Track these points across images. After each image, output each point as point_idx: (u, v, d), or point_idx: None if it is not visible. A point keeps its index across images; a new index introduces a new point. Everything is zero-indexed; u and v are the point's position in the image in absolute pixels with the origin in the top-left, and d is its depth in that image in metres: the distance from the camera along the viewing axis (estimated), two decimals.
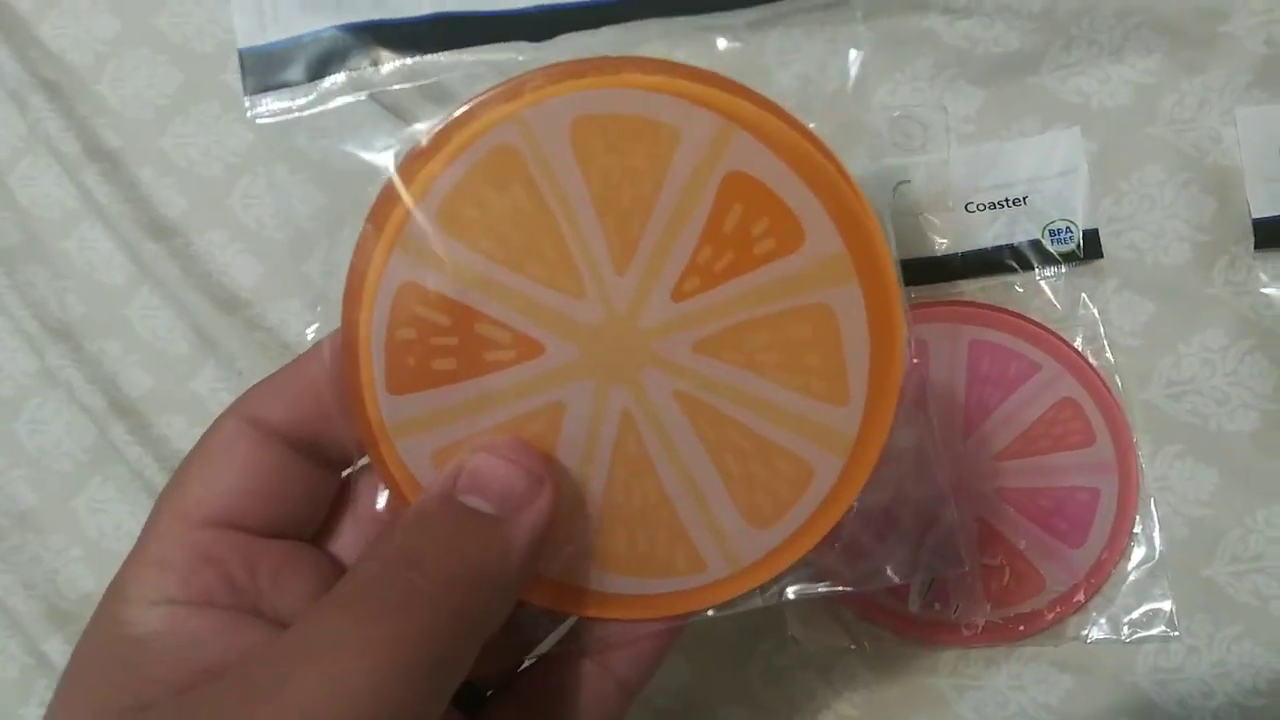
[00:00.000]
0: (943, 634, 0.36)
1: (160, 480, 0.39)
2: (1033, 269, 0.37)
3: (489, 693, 0.29)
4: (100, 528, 0.41)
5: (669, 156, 0.25)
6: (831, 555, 0.28)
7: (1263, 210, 0.36)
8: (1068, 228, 0.37)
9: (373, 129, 0.30)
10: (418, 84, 0.37)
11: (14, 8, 0.42)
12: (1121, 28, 0.37)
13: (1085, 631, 0.36)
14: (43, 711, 0.24)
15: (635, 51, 0.26)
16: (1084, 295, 0.37)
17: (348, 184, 0.28)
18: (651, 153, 0.25)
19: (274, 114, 0.30)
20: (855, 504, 0.26)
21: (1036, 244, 0.37)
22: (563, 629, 0.29)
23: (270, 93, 0.32)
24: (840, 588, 0.28)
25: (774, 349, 0.26)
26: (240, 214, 0.41)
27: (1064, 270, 0.37)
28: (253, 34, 0.36)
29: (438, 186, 0.25)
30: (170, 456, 0.40)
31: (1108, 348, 0.36)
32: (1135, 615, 0.36)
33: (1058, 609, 0.36)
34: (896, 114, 0.38)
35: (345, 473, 0.28)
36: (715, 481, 0.26)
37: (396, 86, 0.37)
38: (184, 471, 0.26)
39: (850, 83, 0.29)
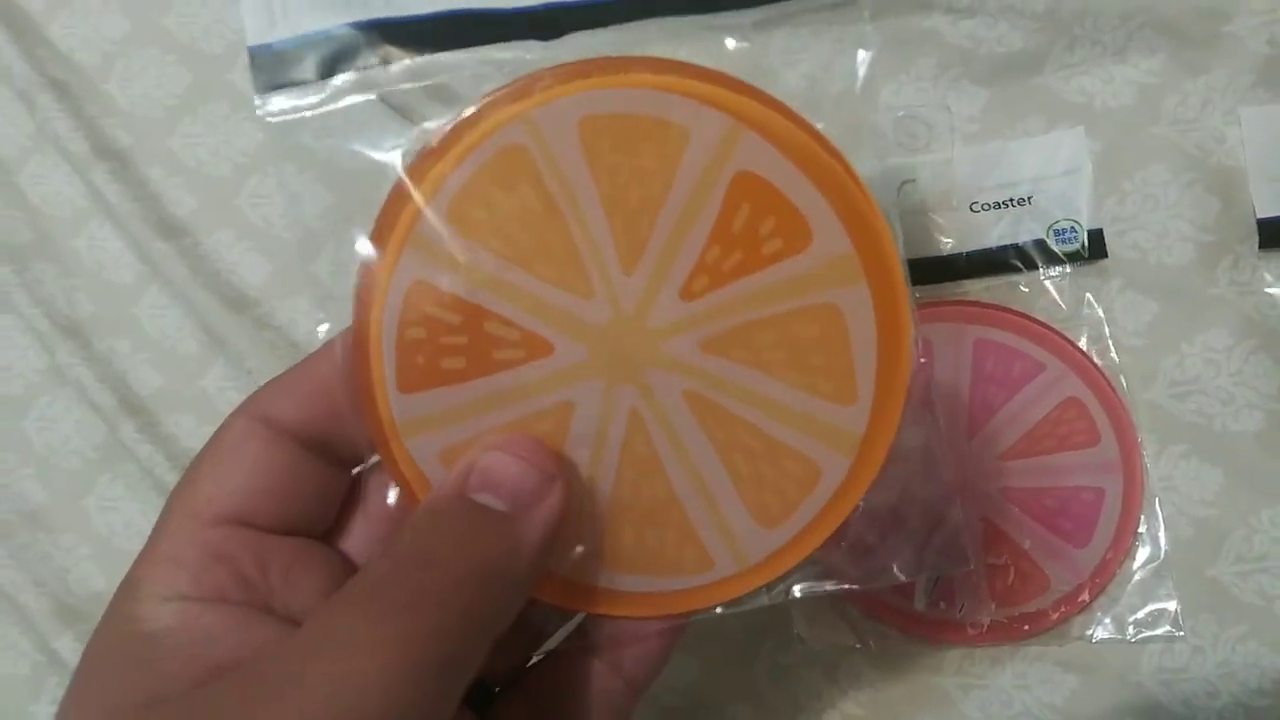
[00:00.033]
0: (948, 633, 0.36)
1: (170, 478, 0.39)
2: (1037, 269, 0.37)
3: (497, 689, 0.29)
4: (110, 525, 0.41)
5: (678, 156, 0.25)
6: (838, 554, 0.28)
7: (1267, 210, 0.36)
8: (1072, 227, 0.37)
9: (381, 129, 0.30)
10: (425, 84, 0.37)
11: (24, 8, 0.42)
12: (1125, 28, 0.37)
13: (1090, 631, 0.36)
14: (54, 709, 0.24)
15: (642, 51, 0.26)
16: (1088, 295, 0.37)
17: (356, 183, 0.28)
18: (660, 152, 0.25)
19: (284, 112, 0.30)
20: (862, 503, 0.26)
21: (1041, 244, 0.37)
22: (571, 625, 0.29)
23: (280, 91, 0.32)
24: (847, 586, 0.28)
25: (781, 348, 0.26)
26: (249, 213, 0.41)
27: (1068, 270, 0.37)
28: (262, 31, 0.36)
29: (448, 186, 0.25)
30: (179, 455, 0.40)
31: (1112, 347, 0.36)
32: (1140, 615, 0.36)
33: (1063, 608, 0.36)
34: (901, 114, 0.38)
35: (355, 470, 0.28)
36: (723, 480, 0.26)
37: (405, 86, 0.37)
38: (195, 470, 0.26)
39: (858, 84, 0.29)
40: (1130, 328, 0.37)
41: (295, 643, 0.21)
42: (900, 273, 0.26)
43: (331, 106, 0.30)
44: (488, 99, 0.25)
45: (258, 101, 0.31)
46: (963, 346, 0.36)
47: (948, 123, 0.38)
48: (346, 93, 0.31)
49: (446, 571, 0.22)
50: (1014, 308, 0.37)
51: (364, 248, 0.25)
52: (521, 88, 0.25)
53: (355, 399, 0.26)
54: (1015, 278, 0.37)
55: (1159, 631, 0.35)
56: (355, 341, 0.25)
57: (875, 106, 0.37)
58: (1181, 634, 0.35)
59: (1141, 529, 0.36)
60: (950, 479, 0.28)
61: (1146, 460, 0.36)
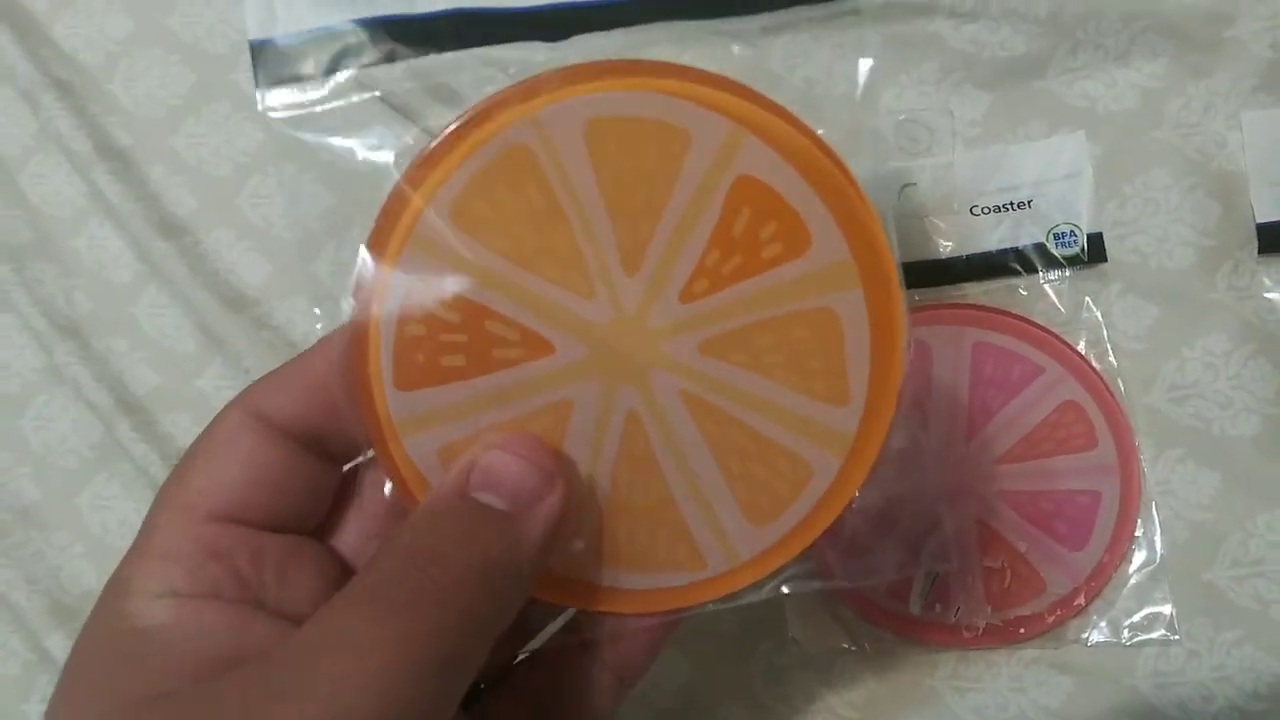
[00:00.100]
0: (943, 636, 0.36)
1: (164, 478, 0.39)
2: (1037, 272, 0.37)
3: (483, 686, 0.29)
4: (104, 524, 0.41)
5: (680, 159, 0.25)
6: (829, 553, 0.29)
7: (1267, 215, 0.36)
8: (1072, 231, 0.37)
9: (382, 129, 0.30)
10: (428, 83, 0.37)
11: (28, 8, 0.42)
12: (1127, 32, 0.37)
13: (1086, 634, 0.36)
14: (44, 708, 0.24)
15: (648, 54, 0.26)
16: (1088, 299, 0.37)
17: (357, 183, 0.28)
18: (663, 155, 0.25)
19: (285, 107, 0.30)
20: (853, 502, 0.27)
21: (1041, 247, 0.37)
22: (559, 622, 0.29)
23: (282, 86, 0.32)
24: (837, 584, 0.29)
25: (778, 351, 0.26)
26: (249, 213, 0.41)
27: (1068, 274, 0.37)
28: (265, 26, 0.35)
29: (451, 184, 0.25)
30: (175, 454, 0.40)
31: (1111, 351, 0.36)
32: (1136, 619, 0.36)
33: (1058, 612, 0.36)
34: (902, 117, 0.38)
35: (347, 467, 0.28)
36: (718, 481, 0.26)
37: (407, 85, 0.37)
38: (188, 464, 0.25)
39: (859, 90, 0.29)
40: (1129, 332, 0.37)
41: (297, 642, 0.21)
42: (895, 278, 0.26)
43: (333, 104, 0.30)
44: (494, 99, 0.25)
45: (259, 97, 0.31)
46: (962, 349, 0.36)
47: (949, 126, 0.38)
48: (349, 90, 0.31)
49: (446, 570, 0.22)
50: (1013, 311, 0.37)
51: (365, 244, 0.25)
52: (528, 88, 0.25)
53: (352, 395, 0.25)
54: (1015, 281, 0.37)
55: (1155, 635, 0.35)
56: (354, 337, 0.25)
57: (876, 111, 0.37)
58: (1177, 638, 0.35)
59: (1138, 533, 0.36)
60: (943, 480, 0.28)
61: (1144, 464, 0.36)
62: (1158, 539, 0.36)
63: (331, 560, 0.27)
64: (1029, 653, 0.36)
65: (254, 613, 0.24)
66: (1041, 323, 0.36)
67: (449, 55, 0.37)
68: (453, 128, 0.25)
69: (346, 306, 0.25)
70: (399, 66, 0.36)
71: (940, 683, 0.36)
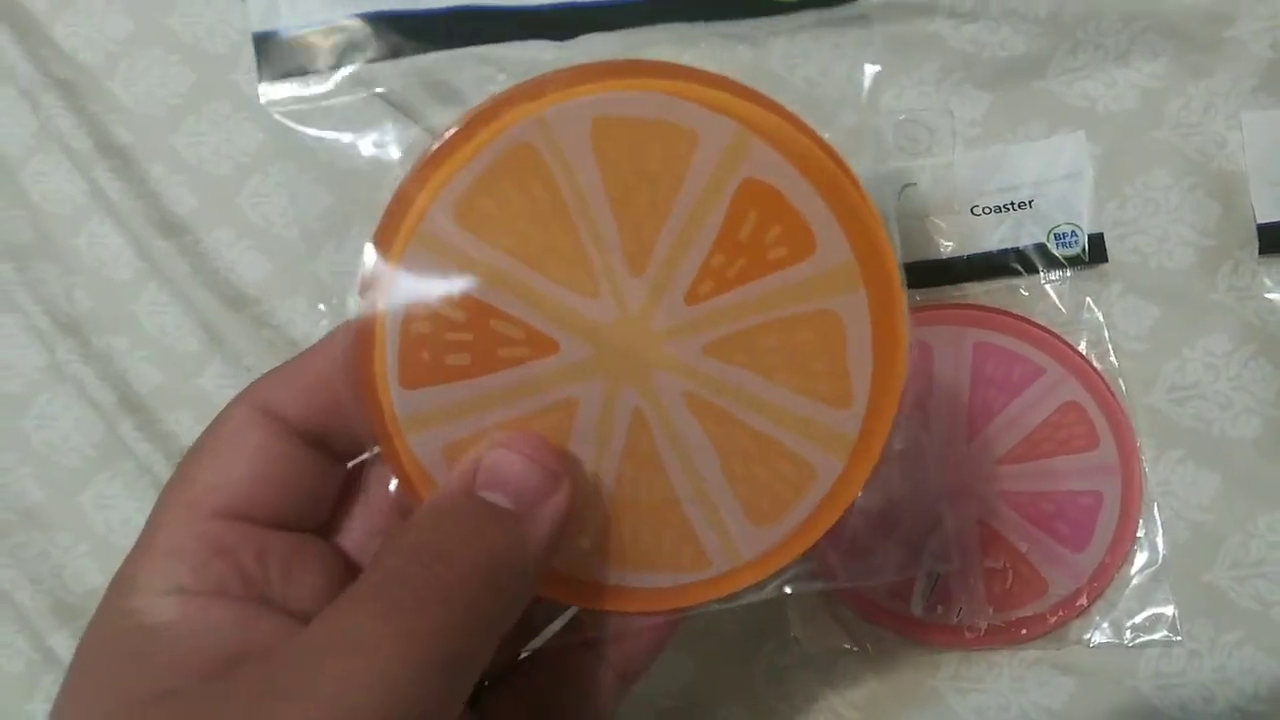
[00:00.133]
0: (945, 636, 0.36)
1: (167, 476, 0.39)
2: (1038, 272, 0.37)
3: (485, 683, 0.29)
4: (108, 523, 0.41)
5: (687, 161, 0.25)
6: (831, 553, 0.29)
7: (1267, 215, 0.36)
8: (1073, 231, 0.37)
9: (384, 126, 0.30)
10: (428, 81, 0.37)
11: (28, 8, 0.42)
12: (1128, 32, 0.37)
13: (1087, 635, 0.36)
14: (48, 707, 0.24)
15: (653, 54, 0.26)
16: (1089, 299, 0.37)
17: (357, 183, 0.28)
18: (670, 157, 0.25)
19: (286, 101, 0.30)
20: (855, 504, 0.27)
21: (1041, 247, 0.37)
22: (562, 619, 0.29)
23: (284, 80, 0.32)
24: (839, 584, 0.29)
25: (782, 353, 0.26)
26: (249, 212, 0.41)
27: (1069, 274, 0.37)
28: (268, 17, 0.35)
29: (456, 182, 0.25)
30: (178, 453, 0.40)
31: (1112, 352, 0.37)
32: (1137, 619, 0.36)
33: (1060, 612, 0.36)
34: (903, 118, 0.38)
35: (351, 464, 0.28)
36: (721, 482, 0.26)
37: (408, 82, 0.37)
38: (193, 461, 0.25)
39: (863, 94, 0.29)
40: (1130, 332, 0.37)
41: (302, 641, 0.21)
42: (898, 280, 0.26)
43: (336, 100, 0.30)
44: (500, 98, 0.25)
45: (261, 90, 0.31)
46: (963, 350, 0.36)
47: (949, 127, 0.38)
48: (351, 86, 0.31)
49: (452, 568, 0.22)
50: (1014, 311, 0.37)
51: (369, 242, 0.25)
52: (535, 87, 0.25)
53: (357, 392, 0.25)
54: (1015, 281, 0.37)
55: (1156, 636, 0.36)
56: (359, 335, 0.25)
57: (877, 111, 0.38)
58: (1179, 639, 0.35)
59: (1139, 533, 0.36)
60: (944, 481, 0.28)
61: (1145, 465, 0.36)
62: (1159, 540, 0.36)
63: (336, 557, 0.27)
64: (1031, 653, 0.36)
65: (259, 609, 0.24)
66: (1042, 323, 0.37)
67: (451, 53, 0.37)
68: (458, 126, 0.25)
69: (351, 304, 0.25)
70: (401, 63, 0.36)
71: (942, 683, 0.36)
